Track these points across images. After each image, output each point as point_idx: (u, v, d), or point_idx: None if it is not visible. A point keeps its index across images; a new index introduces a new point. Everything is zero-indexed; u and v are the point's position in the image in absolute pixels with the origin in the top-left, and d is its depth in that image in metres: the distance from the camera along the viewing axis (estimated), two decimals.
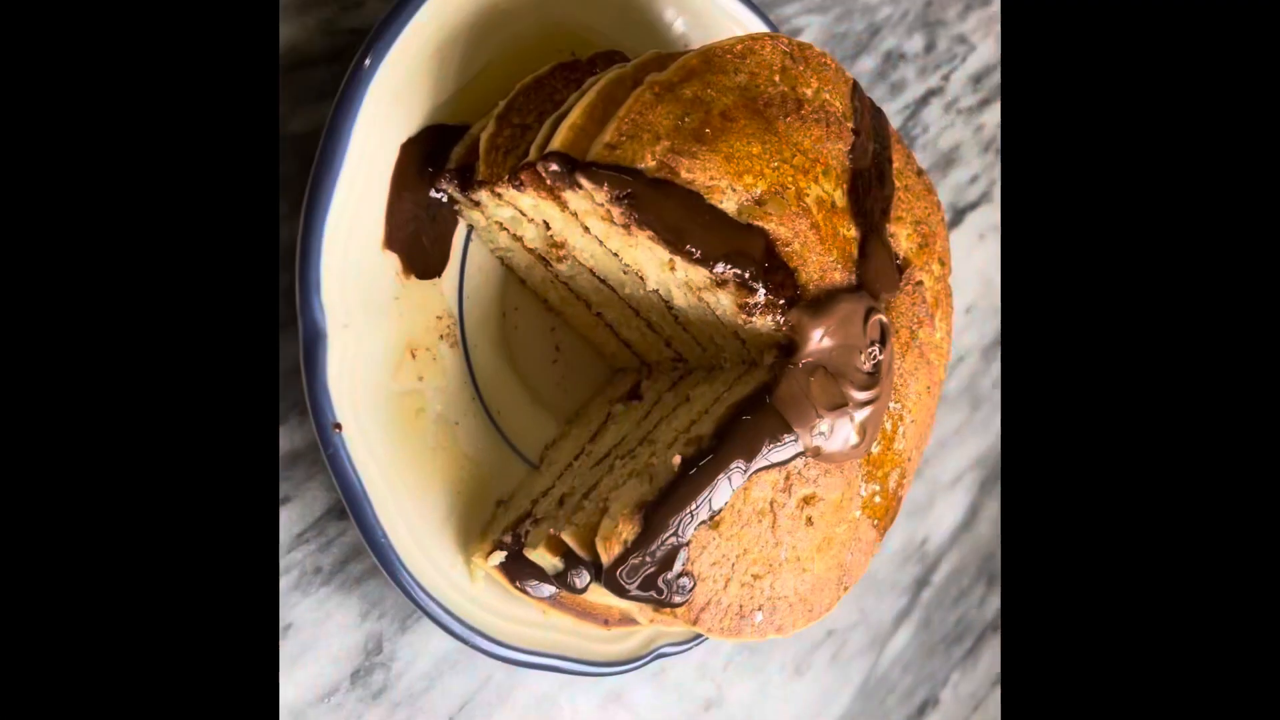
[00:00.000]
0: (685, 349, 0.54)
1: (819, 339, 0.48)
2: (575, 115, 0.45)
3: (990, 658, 0.88)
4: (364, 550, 0.50)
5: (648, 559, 0.46)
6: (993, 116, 0.86)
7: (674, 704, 0.64)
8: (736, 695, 0.67)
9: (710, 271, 0.46)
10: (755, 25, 0.59)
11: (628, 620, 0.54)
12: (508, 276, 0.53)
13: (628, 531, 0.45)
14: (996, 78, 0.86)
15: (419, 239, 0.48)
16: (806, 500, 0.50)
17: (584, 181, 0.44)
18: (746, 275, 0.46)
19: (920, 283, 0.55)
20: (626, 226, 0.45)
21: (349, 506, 0.45)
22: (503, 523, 0.51)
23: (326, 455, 0.44)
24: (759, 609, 0.50)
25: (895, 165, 0.56)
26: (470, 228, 0.51)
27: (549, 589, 0.51)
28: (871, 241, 0.52)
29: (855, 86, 0.53)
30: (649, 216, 0.45)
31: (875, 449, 0.53)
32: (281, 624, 0.48)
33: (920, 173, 0.58)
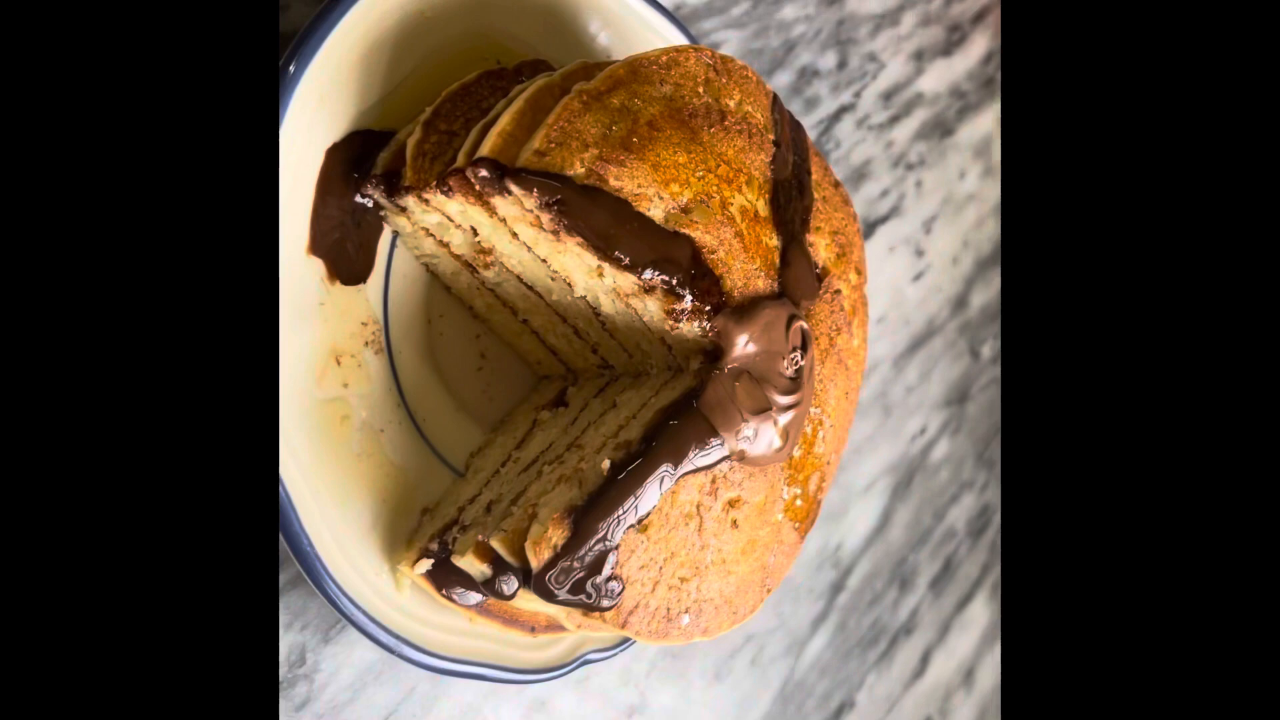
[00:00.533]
0: (611, 355, 0.54)
1: (744, 345, 0.49)
2: (504, 122, 0.45)
3: (904, 660, 0.91)
4: (287, 560, 0.50)
5: (577, 563, 0.46)
6: (902, 133, 0.89)
7: (598, 711, 0.64)
8: (659, 701, 0.68)
9: (638, 278, 0.46)
10: (677, 39, 0.60)
11: (554, 626, 0.54)
12: (433, 283, 0.53)
13: (557, 536, 0.45)
14: (905, 95, 0.89)
15: (344, 245, 0.48)
16: (732, 503, 0.50)
17: (513, 187, 0.44)
18: (674, 282, 0.47)
19: (838, 291, 0.56)
20: (555, 233, 0.45)
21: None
22: (428, 531, 0.50)
23: None
24: (686, 611, 0.51)
25: (814, 177, 0.57)
26: (395, 234, 0.51)
27: (476, 596, 0.51)
28: (792, 250, 0.53)
29: (775, 99, 0.54)
30: (578, 222, 0.45)
31: (797, 453, 0.54)
32: None
33: (837, 184, 0.59)
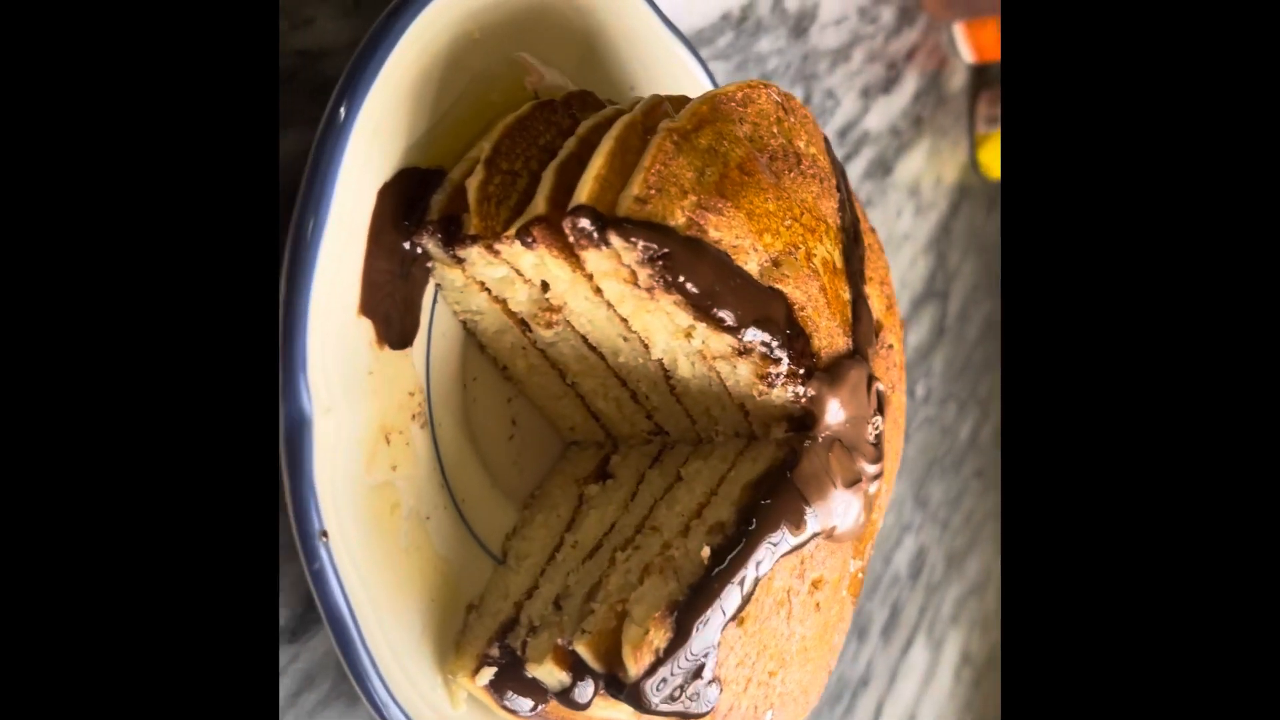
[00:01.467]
0: (669, 421, 0.49)
1: (835, 410, 0.44)
2: (599, 165, 0.39)
3: (863, 713, 0.88)
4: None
5: (679, 668, 0.40)
6: (854, 171, 0.87)
7: None
8: None
9: (737, 339, 0.41)
10: (700, 72, 0.55)
11: None
12: (467, 342, 0.46)
13: (659, 638, 0.40)
14: (856, 133, 0.87)
15: (392, 302, 0.41)
16: (815, 584, 0.46)
17: (615, 239, 0.38)
18: (774, 344, 0.42)
19: (891, 345, 0.53)
20: (650, 290, 0.40)
21: (333, 630, 0.37)
22: (479, 632, 0.43)
23: (311, 571, 0.36)
24: (770, 707, 0.46)
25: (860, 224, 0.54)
26: (436, 289, 0.44)
27: (530, 704, 0.44)
28: (860, 304, 0.49)
29: (826, 141, 0.50)
30: (681, 279, 0.40)
31: None
32: None
33: (872, 230, 0.56)
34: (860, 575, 0.51)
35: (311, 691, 0.41)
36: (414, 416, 0.42)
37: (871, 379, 0.47)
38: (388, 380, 0.40)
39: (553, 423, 0.51)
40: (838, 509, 0.44)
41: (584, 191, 0.39)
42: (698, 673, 0.41)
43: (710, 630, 0.41)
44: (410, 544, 0.41)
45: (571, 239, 0.39)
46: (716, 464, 0.46)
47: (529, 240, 0.39)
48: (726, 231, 0.41)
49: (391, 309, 0.41)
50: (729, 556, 0.41)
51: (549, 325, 0.44)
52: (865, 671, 0.89)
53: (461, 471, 0.45)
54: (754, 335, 0.41)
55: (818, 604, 0.46)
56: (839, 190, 0.49)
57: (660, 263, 0.39)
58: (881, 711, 0.92)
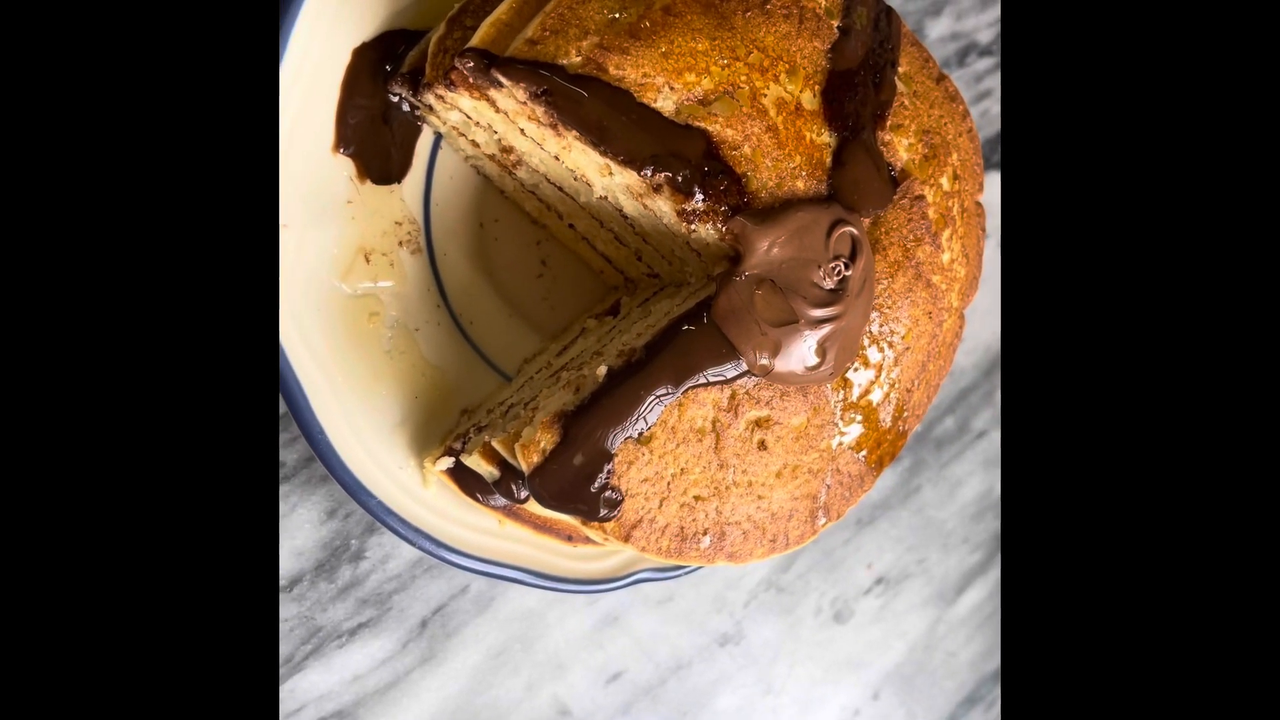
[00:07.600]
0: (655, 263, 0.52)
1: (767, 250, 0.45)
2: (501, 11, 0.44)
3: None
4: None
5: (568, 469, 0.45)
6: None
7: (682, 634, 0.62)
8: (760, 634, 0.65)
9: (639, 174, 0.43)
10: None
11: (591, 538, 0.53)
12: (486, 187, 0.53)
13: (546, 440, 0.44)
14: None
15: (378, 144, 0.49)
16: (758, 423, 0.47)
17: (502, 78, 0.43)
18: (679, 179, 0.44)
19: (921, 197, 0.50)
20: (554, 126, 0.44)
21: (285, 399, 0.46)
22: (460, 430, 0.51)
23: None
24: (705, 533, 0.48)
25: (903, 69, 0.51)
26: (439, 136, 0.51)
27: (490, 497, 0.51)
28: (852, 149, 0.48)
29: None
30: (569, 115, 0.43)
31: (858, 377, 0.49)
32: None
33: (940, 79, 0.53)
34: (868, 431, 0.50)
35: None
36: (402, 243, 0.50)
37: (838, 223, 0.46)
38: (369, 210, 0.49)
39: (587, 266, 0.56)
40: (767, 348, 0.45)
41: (478, 36, 0.44)
42: (588, 477, 0.45)
43: (601, 440, 0.44)
44: (392, 348, 0.50)
45: (471, 80, 0.44)
46: (674, 302, 0.48)
47: (449, 83, 0.45)
48: (631, 70, 0.43)
49: (376, 149, 0.49)
50: (626, 378, 0.44)
51: (515, 165, 0.49)
52: None
53: (470, 298, 0.52)
54: (652, 170, 0.43)
55: (762, 443, 0.47)
56: (842, 31, 0.48)
57: (544, 98, 0.43)
58: None
